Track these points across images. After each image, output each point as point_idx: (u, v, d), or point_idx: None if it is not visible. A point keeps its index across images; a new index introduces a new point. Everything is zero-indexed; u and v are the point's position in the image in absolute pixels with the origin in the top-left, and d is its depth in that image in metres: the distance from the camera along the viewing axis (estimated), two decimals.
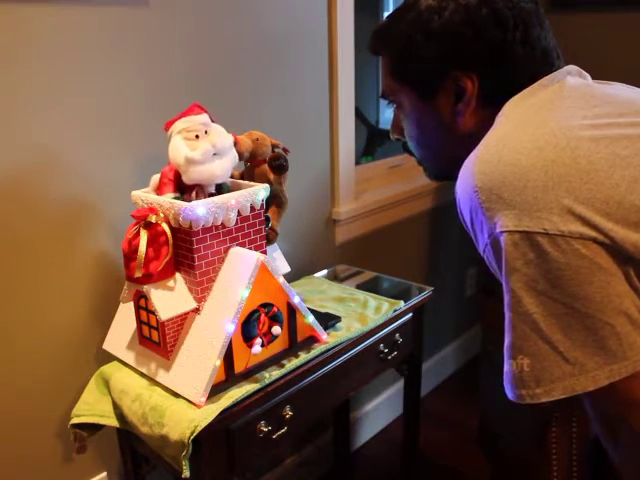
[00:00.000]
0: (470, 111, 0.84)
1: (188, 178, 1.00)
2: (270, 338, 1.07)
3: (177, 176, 1.02)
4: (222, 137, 1.03)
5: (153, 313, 1.02)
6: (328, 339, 1.19)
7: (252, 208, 1.06)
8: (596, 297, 0.64)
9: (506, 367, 0.70)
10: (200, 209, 0.96)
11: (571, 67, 0.84)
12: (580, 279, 0.64)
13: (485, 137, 0.75)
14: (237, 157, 1.07)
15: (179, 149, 0.99)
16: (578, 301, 0.65)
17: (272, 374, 1.08)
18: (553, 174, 0.66)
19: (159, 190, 1.04)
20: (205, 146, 0.99)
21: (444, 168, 0.93)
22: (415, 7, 0.85)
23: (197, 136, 1.00)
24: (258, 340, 1.04)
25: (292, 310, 1.11)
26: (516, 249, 0.66)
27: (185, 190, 1.03)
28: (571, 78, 0.81)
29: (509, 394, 0.71)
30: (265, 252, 1.11)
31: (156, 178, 1.06)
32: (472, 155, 0.73)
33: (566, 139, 0.68)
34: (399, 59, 0.88)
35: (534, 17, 0.82)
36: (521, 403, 0.69)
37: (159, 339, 1.05)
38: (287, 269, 1.23)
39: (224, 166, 1.02)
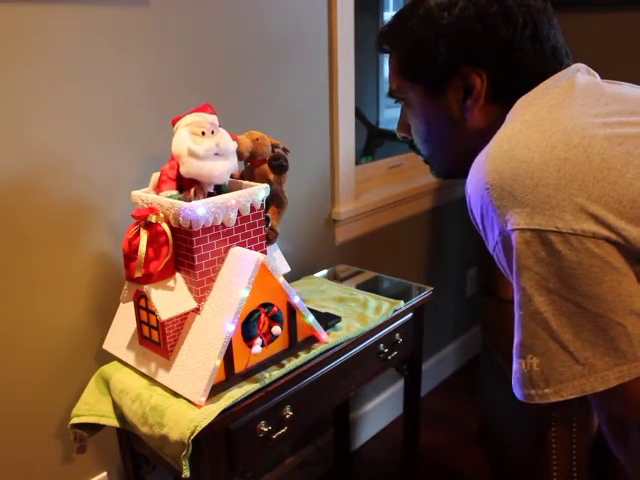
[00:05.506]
0: (479, 108, 0.83)
1: (186, 170, 1.00)
2: (270, 338, 1.07)
3: (177, 174, 1.02)
4: (227, 140, 1.03)
5: (153, 313, 1.02)
6: (328, 339, 1.19)
7: (252, 208, 1.06)
8: (607, 297, 0.64)
9: (515, 366, 0.70)
10: (200, 209, 0.96)
11: (580, 65, 0.84)
12: (592, 278, 0.63)
13: (496, 135, 0.75)
14: (237, 164, 1.07)
15: (183, 140, 0.99)
16: (589, 300, 0.64)
17: (272, 374, 1.08)
18: (565, 172, 0.65)
19: (158, 188, 1.03)
20: (209, 143, 1.00)
21: (451, 166, 0.93)
22: (424, 4, 0.84)
23: (203, 133, 1.01)
24: (258, 340, 1.04)
25: (292, 310, 1.11)
26: (527, 247, 0.65)
27: (184, 188, 1.03)
28: (581, 76, 0.81)
29: (517, 394, 0.70)
30: (265, 252, 1.11)
31: (156, 176, 1.06)
32: (483, 152, 0.73)
33: (579, 137, 0.67)
34: (408, 56, 0.87)
35: (543, 15, 0.81)
36: (529, 403, 0.68)
37: (159, 339, 1.05)
38: (287, 269, 1.23)
39: (224, 168, 1.02)
